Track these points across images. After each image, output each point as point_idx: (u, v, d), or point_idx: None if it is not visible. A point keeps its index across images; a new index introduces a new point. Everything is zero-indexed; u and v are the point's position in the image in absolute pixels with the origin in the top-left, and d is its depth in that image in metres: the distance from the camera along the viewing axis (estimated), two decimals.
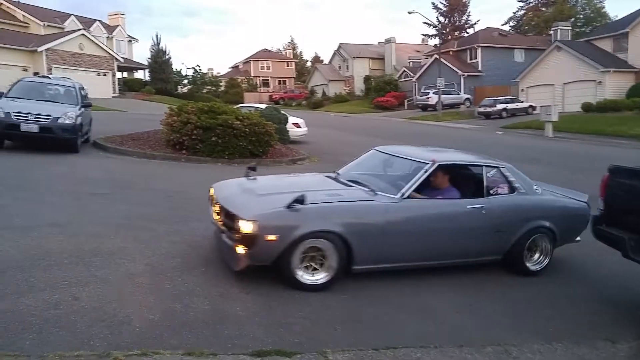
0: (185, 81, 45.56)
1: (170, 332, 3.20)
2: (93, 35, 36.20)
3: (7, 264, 4.02)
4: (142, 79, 44.01)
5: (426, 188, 4.73)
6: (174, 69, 43.25)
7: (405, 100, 44.64)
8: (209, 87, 47.90)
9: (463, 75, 40.04)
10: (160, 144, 11.40)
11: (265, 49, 68.44)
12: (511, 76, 35.77)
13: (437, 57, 38.05)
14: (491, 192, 4.86)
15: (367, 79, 50.69)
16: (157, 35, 53.23)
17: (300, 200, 3.92)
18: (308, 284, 4.08)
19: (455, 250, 4.72)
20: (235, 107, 14.15)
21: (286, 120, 15.03)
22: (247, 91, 53.91)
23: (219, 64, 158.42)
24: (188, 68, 46.90)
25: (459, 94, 39.62)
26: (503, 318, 4.23)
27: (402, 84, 47.98)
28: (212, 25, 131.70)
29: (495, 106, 32.04)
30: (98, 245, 4.66)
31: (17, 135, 9.73)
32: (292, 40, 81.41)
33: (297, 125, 16.03)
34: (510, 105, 32.46)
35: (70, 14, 39.99)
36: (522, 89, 35.48)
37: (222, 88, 50.63)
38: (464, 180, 5.07)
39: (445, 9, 57.15)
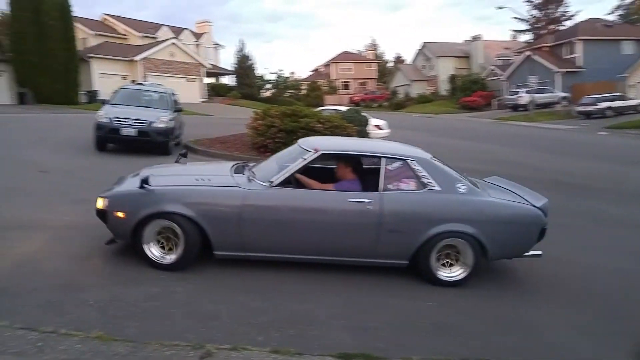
0: (269, 85, 46.88)
1: (258, 330, 3.28)
2: (183, 43, 38.47)
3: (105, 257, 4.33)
4: (227, 84, 46.01)
5: (332, 179, 4.58)
6: (257, 74, 44.68)
7: (494, 100, 42.42)
8: (291, 91, 48.95)
9: (559, 72, 37.24)
10: (246, 146, 11.69)
11: (346, 51, 68.72)
12: (617, 71, 32.58)
13: (530, 53, 35.60)
14: (390, 186, 4.27)
15: (452, 79, 48.98)
16: (241, 42, 55.38)
17: (145, 181, 4.02)
18: (161, 263, 4.13)
19: (335, 246, 4.28)
20: (316, 109, 14.17)
21: (367, 122, 14.89)
22: (328, 94, 54.29)
23: (301, 68, 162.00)
24: (271, 73, 48.33)
25: (554, 92, 36.75)
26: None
27: (490, 83, 45.66)
28: (294, 30, 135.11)
29: (597, 104, 29.35)
30: None
31: (118, 139, 10.52)
32: (373, 42, 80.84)
33: (378, 126, 15.83)
34: (616, 103, 29.57)
35: (163, 24, 42.85)
36: (632, 85, 32.06)
37: (304, 91, 51.46)
38: (368, 172, 4.62)
39: (539, 1, 53.39)
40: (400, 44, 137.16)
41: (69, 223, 5.18)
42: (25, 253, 4.26)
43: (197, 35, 45.36)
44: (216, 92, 41.71)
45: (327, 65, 65.89)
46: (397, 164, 4.36)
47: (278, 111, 11.40)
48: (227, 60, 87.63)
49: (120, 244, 4.41)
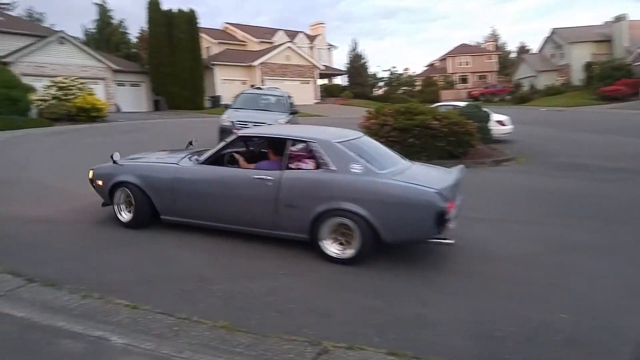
0: (381, 83, 46.64)
1: (374, 330, 3.24)
2: (297, 47, 39.91)
3: (237, 253, 4.66)
4: (340, 84, 46.74)
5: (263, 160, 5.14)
6: (370, 73, 44.71)
7: None
8: (404, 88, 48.19)
9: None
10: None
11: (463, 44, 65.77)
12: None
13: None
14: (292, 166, 4.69)
15: (588, 66, 43.50)
16: (354, 41, 55.86)
17: (112, 159, 5.31)
18: (123, 220, 5.25)
19: (245, 217, 4.77)
20: (432, 106, 13.71)
21: (488, 118, 14.04)
22: (444, 89, 52.37)
23: (415, 64, 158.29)
24: (384, 70, 48.19)
25: None
26: None
27: (637, 68, 39.70)
28: (408, 25, 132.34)
29: None
30: None
31: None
32: (493, 32, 76.21)
33: (500, 122, 14.92)
34: None
35: (278, 29, 44.87)
36: None
37: (418, 87, 50.29)
38: (283, 153, 4.83)
39: None
40: (523, 33, 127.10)
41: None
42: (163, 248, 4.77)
43: (311, 38, 46.76)
44: (329, 92, 42.64)
45: (443, 59, 63.71)
46: (301, 145, 4.78)
47: (391, 109, 11.22)
48: (340, 60, 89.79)
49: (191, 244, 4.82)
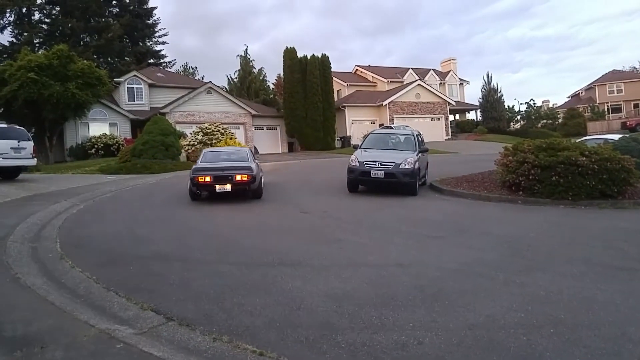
0: (518, 117, 44.06)
1: None
2: (427, 84, 39.78)
3: (364, 300, 4.47)
4: (473, 120, 45.17)
5: None
6: (506, 106, 42.60)
7: None
8: (544, 121, 44.83)
9: None
10: (495, 185, 11.09)
11: (614, 70, 59.31)
12: None
13: None
14: None
15: None
16: (487, 75, 53.89)
17: None
18: None
19: None
20: (579, 140, 12.51)
21: None
22: (591, 120, 47.38)
23: (556, 95, 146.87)
24: (521, 103, 45.67)
25: None
26: None
27: None
28: (546, 54, 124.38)
29: None
30: (437, 290, 4.68)
31: (367, 181, 11.37)
32: None
33: None
34: None
35: (408, 68, 45.35)
36: None
37: (560, 120, 46.35)
38: None
39: None
40: None
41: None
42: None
43: (442, 75, 46.32)
44: (461, 128, 41.42)
45: (589, 88, 58.09)
46: None
47: (531, 145, 10.47)
48: (472, 95, 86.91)
49: None
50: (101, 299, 4.43)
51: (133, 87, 32.61)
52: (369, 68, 46.62)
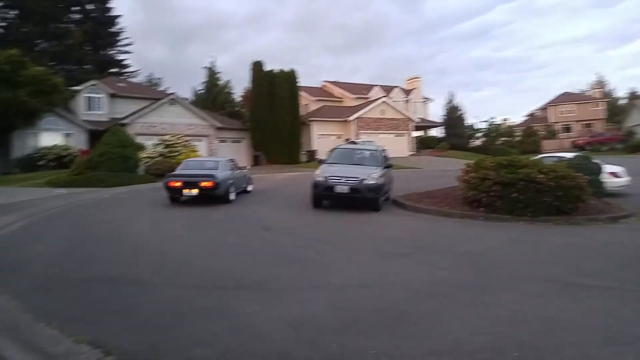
0: (479, 134, 45.32)
1: None
2: (393, 101, 40.30)
3: (324, 325, 4.18)
4: (436, 136, 46.07)
5: None
6: (467, 124, 43.74)
7: None
8: (503, 138, 46.32)
9: None
10: (457, 201, 11.10)
11: (566, 92, 62.33)
12: None
13: None
14: None
15: None
16: (450, 93, 55.41)
17: None
18: None
19: None
20: (536, 158, 12.81)
21: (600, 170, 12.88)
22: (546, 139, 49.33)
23: (514, 114, 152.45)
24: (481, 121, 46.91)
25: None
26: None
27: None
28: (505, 75, 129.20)
29: None
30: (401, 313, 4.49)
31: (333, 196, 11.15)
32: (600, 79, 71.26)
33: (614, 174, 13.65)
34: None
35: (374, 85, 45.88)
36: None
37: (518, 138, 48.05)
38: None
39: None
40: (634, 78, 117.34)
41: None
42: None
43: (407, 92, 47.10)
44: (425, 144, 42.09)
45: (544, 108, 60.78)
46: None
47: (493, 162, 10.56)
48: (435, 112, 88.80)
49: None
50: (30, 331, 3.97)
51: (92, 97, 31.38)
52: (336, 84, 46.82)
